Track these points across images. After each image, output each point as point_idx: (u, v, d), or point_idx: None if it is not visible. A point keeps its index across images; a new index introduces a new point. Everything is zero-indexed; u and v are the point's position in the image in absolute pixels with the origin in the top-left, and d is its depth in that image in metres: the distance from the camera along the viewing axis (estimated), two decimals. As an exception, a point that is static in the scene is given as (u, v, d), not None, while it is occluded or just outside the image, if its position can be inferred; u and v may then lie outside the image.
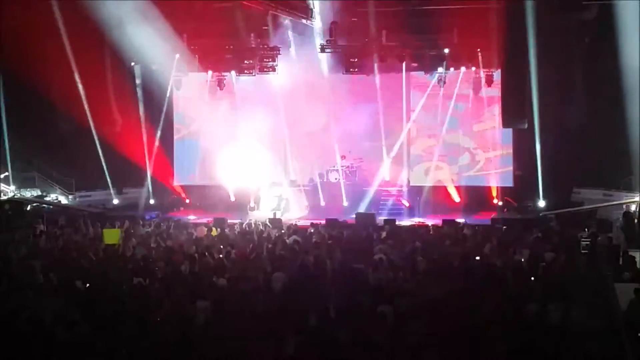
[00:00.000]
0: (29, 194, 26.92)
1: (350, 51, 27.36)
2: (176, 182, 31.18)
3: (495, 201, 28.23)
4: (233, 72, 29.29)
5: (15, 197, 25.78)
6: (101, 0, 23.50)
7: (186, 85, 30.14)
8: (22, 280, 12.69)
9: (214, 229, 20.93)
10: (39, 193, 27.39)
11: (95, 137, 27.47)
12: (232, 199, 28.57)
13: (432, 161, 29.78)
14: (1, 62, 25.66)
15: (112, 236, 18.24)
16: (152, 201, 29.69)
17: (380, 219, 24.64)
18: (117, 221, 22.07)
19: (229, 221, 23.36)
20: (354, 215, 25.22)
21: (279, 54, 27.72)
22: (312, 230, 20.36)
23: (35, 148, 27.08)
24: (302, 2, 24.65)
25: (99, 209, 27.28)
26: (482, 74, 27.89)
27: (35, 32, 25.36)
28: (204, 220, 24.11)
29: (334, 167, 28.74)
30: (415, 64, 28.54)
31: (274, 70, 28.22)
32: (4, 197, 25.46)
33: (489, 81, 27.73)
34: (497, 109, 27.93)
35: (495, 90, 27.72)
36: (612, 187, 24.71)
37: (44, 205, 26.56)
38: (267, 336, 9.21)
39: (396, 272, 13.42)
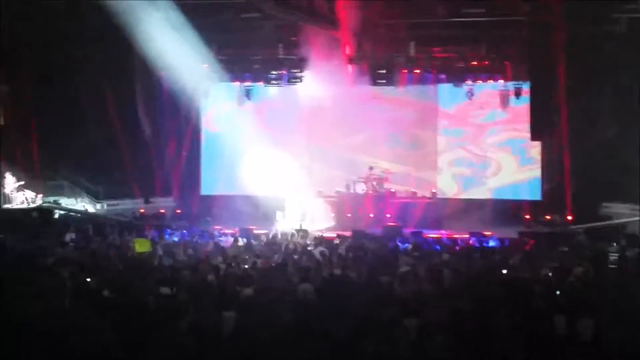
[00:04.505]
0: (57, 201, 27.02)
1: (378, 63, 27.35)
2: (203, 192, 31.26)
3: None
4: (260, 83, 29.40)
5: (44, 205, 25.91)
6: (132, 9, 23.61)
7: (214, 95, 30.29)
8: (50, 288, 12.73)
9: (239, 239, 20.96)
10: (67, 201, 27.52)
11: (124, 146, 27.66)
12: (259, 209, 28.53)
13: (459, 172, 29.72)
14: (32, 70, 25.91)
15: (143, 245, 18.35)
16: (178, 210, 29.81)
17: (407, 231, 24.57)
18: (144, 230, 22.17)
19: (255, 231, 23.41)
20: (380, 227, 25.19)
21: (307, 64, 27.78)
22: (338, 242, 20.34)
23: (64, 156, 27.26)
24: (330, 14, 24.68)
25: (126, 217, 27.40)
26: (511, 86, 27.79)
27: (65, 40, 25.68)
28: (230, 230, 24.13)
29: (360, 178, 28.66)
30: (443, 76, 28.47)
31: (301, 81, 28.33)
32: (32, 205, 25.62)
33: (517, 94, 27.61)
34: (525, 122, 27.81)
35: (524, 103, 27.60)
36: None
37: (72, 213, 26.68)
38: (293, 347, 9.19)
39: (422, 284, 13.37)
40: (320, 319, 10.28)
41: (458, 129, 29.82)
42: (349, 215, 27.99)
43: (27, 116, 26.12)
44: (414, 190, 29.22)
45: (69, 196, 27.71)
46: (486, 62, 27.52)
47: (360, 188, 28.58)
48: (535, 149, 28.54)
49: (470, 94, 28.42)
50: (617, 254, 17.96)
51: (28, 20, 24.81)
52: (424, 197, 29.06)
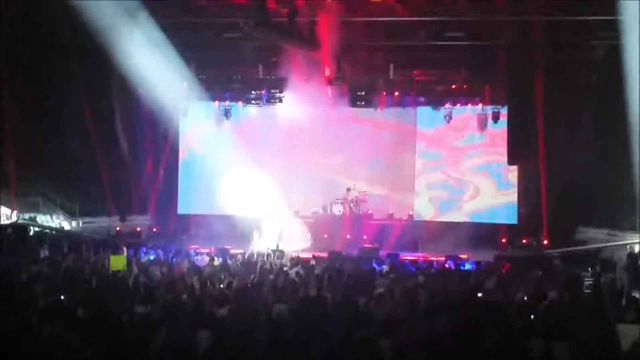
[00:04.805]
0: (33, 218, 26.81)
1: (358, 84, 27.46)
2: (180, 211, 31.16)
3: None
4: (240, 102, 29.42)
5: (19, 221, 25.72)
6: (112, 26, 23.57)
7: (192, 114, 30.32)
8: (24, 305, 12.63)
9: (215, 258, 20.88)
10: (43, 217, 27.32)
11: (101, 163, 27.53)
12: (235, 228, 28.42)
13: (436, 195, 29.84)
14: (9, 86, 25.76)
15: (118, 262, 18.24)
16: (155, 229, 29.71)
17: (383, 252, 24.57)
18: (120, 248, 22.04)
19: (231, 251, 23.36)
20: (357, 249, 25.19)
21: (287, 85, 27.82)
22: (314, 263, 20.31)
23: (40, 172, 27.10)
24: (310, 35, 24.73)
25: (102, 235, 27.24)
26: (489, 110, 27.98)
27: (43, 56, 25.58)
28: (206, 250, 24.04)
29: (338, 199, 28.67)
30: (422, 99, 28.68)
31: (280, 101, 28.42)
32: (6, 222, 25.42)
33: (496, 118, 27.80)
34: (503, 146, 27.97)
35: (502, 127, 27.78)
36: (617, 227, 24.60)
37: (47, 230, 26.49)
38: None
39: (397, 306, 13.36)
40: (295, 339, 10.25)
41: (436, 151, 30.05)
42: (326, 236, 27.99)
43: (3, 132, 25.93)
44: (391, 212, 29.28)
45: (44, 213, 27.47)
46: (465, 86, 27.73)
47: (338, 209, 28.62)
48: (512, 173, 28.75)
49: (449, 117, 28.69)
50: (591, 279, 18.05)
51: (6, 37, 24.67)
52: (400, 219, 29.16)
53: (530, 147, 25.95)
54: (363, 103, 28.06)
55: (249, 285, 16.04)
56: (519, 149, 26.62)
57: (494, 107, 27.86)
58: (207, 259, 20.89)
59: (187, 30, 25.24)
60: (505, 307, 13.60)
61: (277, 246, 24.83)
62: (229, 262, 20.52)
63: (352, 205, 28.62)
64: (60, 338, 10.11)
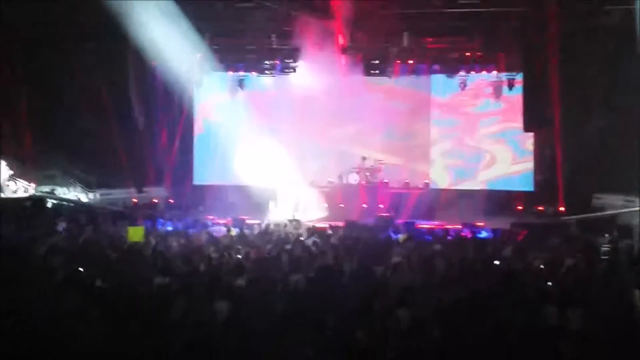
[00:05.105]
0: (53, 191, 26.93)
1: (371, 53, 27.33)
2: (196, 182, 31.24)
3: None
4: (254, 72, 29.38)
5: (36, 194, 25.85)
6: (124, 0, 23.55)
7: (207, 85, 30.28)
8: (42, 277, 12.72)
9: (232, 229, 20.95)
10: (60, 190, 27.43)
11: (117, 135, 27.59)
12: (251, 199, 28.45)
13: (452, 163, 29.80)
14: (25, 61, 25.83)
15: (136, 233, 18.30)
16: (171, 200, 29.82)
17: (400, 221, 24.58)
18: (137, 220, 22.12)
19: (247, 221, 23.43)
20: (373, 217, 25.21)
21: (300, 54, 27.75)
22: (330, 232, 20.34)
23: (57, 145, 27.17)
24: (323, 4, 24.63)
25: (119, 207, 27.36)
26: (504, 77, 27.83)
27: (57, 31, 25.60)
28: (223, 221, 24.11)
29: (353, 168, 28.65)
30: (436, 67, 28.52)
31: (294, 71, 28.34)
32: (24, 195, 25.56)
33: (511, 85, 27.66)
34: (519, 113, 27.85)
35: (517, 94, 27.65)
36: (634, 193, 24.50)
37: (65, 202, 26.62)
38: (285, 337, 9.20)
39: (414, 275, 13.38)
40: (312, 309, 10.30)
41: (451, 118, 29.93)
42: (342, 205, 27.93)
43: (20, 105, 26.00)
44: (407, 181, 29.25)
45: (61, 185, 27.57)
46: (480, 53, 27.54)
47: (353, 178, 28.55)
48: (529, 140, 28.62)
49: (463, 85, 28.51)
50: (608, 246, 17.99)
51: (19, 13, 24.71)
52: (416, 187, 29.10)
53: (546, 114, 25.82)
54: (377, 72, 27.93)
55: (266, 255, 16.11)
56: (534, 116, 26.48)
57: (508, 74, 27.69)
58: (223, 229, 20.97)
59: (201, 1, 25.21)
60: (522, 274, 13.60)
61: (294, 216, 24.85)
62: (246, 232, 20.61)
63: (367, 174, 28.53)
64: (78, 310, 10.20)
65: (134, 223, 21.28)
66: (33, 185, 26.18)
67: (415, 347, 9.22)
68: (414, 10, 25.49)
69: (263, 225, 21.93)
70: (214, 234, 20.24)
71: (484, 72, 28.35)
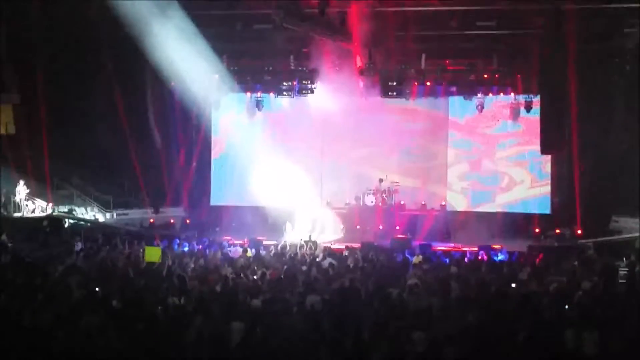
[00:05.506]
0: (71, 210, 27.04)
1: (389, 75, 27.33)
2: (213, 202, 31.27)
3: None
4: (271, 94, 29.48)
5: (54, 214, 25.96)
6: (144, 19, 23.69)
7: (224, 106, 30.32)
8: (59, 297, 12.76)
9: (249, 250, 20.96)
10: (78, 210, 27.53)
11: (134, 155, 27.71)
12: (268, 220, 28.47)
13: (469, 186, 29.72)
14: (44, 80, 26.01)
15: (153, 254, 18.27)
16: (188, 220, 29.86)
17: (416, 243, 24.51)
18: (154, 240, 22.18)
19: (264, 242, 23.43)
20: (389, 239, 25.17)
21: (318, 76, 27.82)
22: (347, 254, 20.31)
23: (75, 165, 27.34)
24: (342, 26, 24.68)
25: (135, 227, 27.43)
26: (522, 99, 27.78)
27: (77, 50, 25.79)
28: (239, 241, 24.12)
29: (370, 190, 28.63)
30: (454, 89, 28.48)
31: (312, 92, 28.36)
32: (42, 214, 25.68)
33: (528, 107, 27.58)
34: (536, 135, 27.75)
35: (535, 116, 27.56)
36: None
37: (82, 222, 26.72)
38: (301, 358, 9.19)
39: (430, 297, 13.34)
40: (328, 330, 10.28)
41: (468, 140, 29.82)
42: (358, 227, 27.97)
43: (39, 125, 26.15)
44: (424, 203, 29.21)
45: (79, 205, 27.71)
46: (497, 75, 27.51)
47: (370, 200, 28.56)
48: (547, 162, 28.50)
49: (481, 107, 28.41)
50: (626, 269, 17.90)
51: (41, 30, 24.95)
52: (433, 209, 29.05)
53: (563, 136, 25.74)
54: (394, 93, 27.85)
55: (282, 276, 16.10)
56: (551, 138, 26.34)
57: (526, 96, 27.60)
58: (240, 250, 21.00)
59: (219, 22, 25.37)
60: (539, 297, 13.54)
61: (310, 237, 24.82)
62: (262, 253, 20.62)
63: (384, 195, 28.53)
64: (95, 329, 10.22)
65: (150, 243, 21.33)
66: (51, 204, 26.29)
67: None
68: (432, 32, 25.55)
69: (279, 247, 21.94)
70: (230, 254, 20.29)
71: (501, 94, 28.30)
